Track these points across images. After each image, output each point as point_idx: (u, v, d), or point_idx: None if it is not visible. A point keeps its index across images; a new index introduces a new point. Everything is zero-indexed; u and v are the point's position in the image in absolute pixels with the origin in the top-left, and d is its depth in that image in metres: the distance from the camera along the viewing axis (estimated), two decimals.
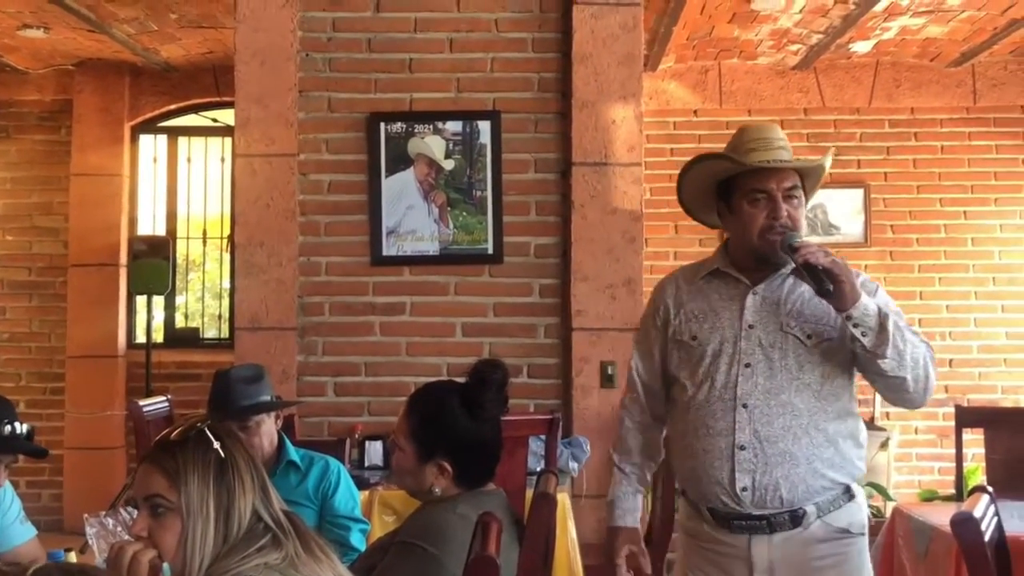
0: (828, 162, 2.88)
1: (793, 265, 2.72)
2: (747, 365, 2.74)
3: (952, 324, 7.59)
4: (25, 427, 3.16)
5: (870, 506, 6.28)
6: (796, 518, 2.70)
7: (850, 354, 2.71)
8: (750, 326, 2.76)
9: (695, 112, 7.75)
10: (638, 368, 3.00)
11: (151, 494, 2.05)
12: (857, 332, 2.60)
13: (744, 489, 2.69)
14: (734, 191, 2.81)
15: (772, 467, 2.68)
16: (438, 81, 5.55)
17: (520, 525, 2.68)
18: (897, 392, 2.68)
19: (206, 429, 2.09)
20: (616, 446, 3.04)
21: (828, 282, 2.58)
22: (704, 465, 2.76)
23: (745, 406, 2.71)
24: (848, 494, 2.74)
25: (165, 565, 2.06)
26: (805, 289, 2.72)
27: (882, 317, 2.59)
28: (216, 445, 2.06)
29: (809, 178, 2.86)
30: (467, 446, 2.64)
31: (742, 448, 2.69)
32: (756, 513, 2.70)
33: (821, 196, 7.52)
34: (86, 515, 2.77)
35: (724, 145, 2.95)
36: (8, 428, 3.12)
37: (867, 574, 2.78)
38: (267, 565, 2.01)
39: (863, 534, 2.76)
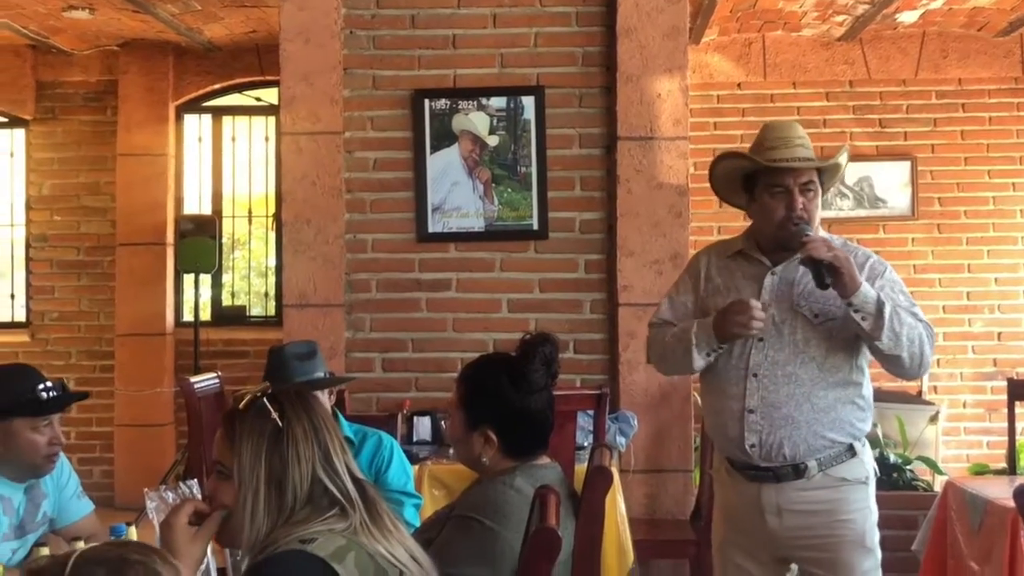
0: (844, 159, 3.20)
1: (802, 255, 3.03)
2: (760, 339, 3.10)
3: (1001, 297, 7.51)
4: (54, 385, 3.26)
5: (922, 481, 6.26)
6: (799, 471, 3.09)
7: (854, 331, 3.05)
8: (766, 304, 3.09)
9: (739, 85, 7.69)
10: (664, 312, 3.38)
11: (216, 459, 2.12)
12: (857, 317, 2.96)
13: (752, 446, 3.10)
14: (757, 184, 3.17)
15: (776, 429, 3.07)
16: (482, 57, 5.54)
17: (575, 498, 2.70)
18: (893, 367, 3.05)
19: (265, 399, 2.12)
20: (662, 339, 3.34)
21: (828, 276, 2.94)
22: (720, 423, 3.20)
23: (755, 375, 3.10)
24: (851, 452, 3.11)
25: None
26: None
27: (880, 304, 2.94)
28: (274, 415, 2.09)
29: (826, 172, 3.19)
30: (511, 417, 2.67)
31: (751, 411, 3.09)
32: (763, 465, 3.11)
33: (868, 169, 7.47)
34: (146, 489, 2.81)
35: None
36: (43, 390, 3.21)
37: (868, 517, 3.13)
38: (331, 531, 2.04)
39: (864, 483, 3.13)
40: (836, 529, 3.09)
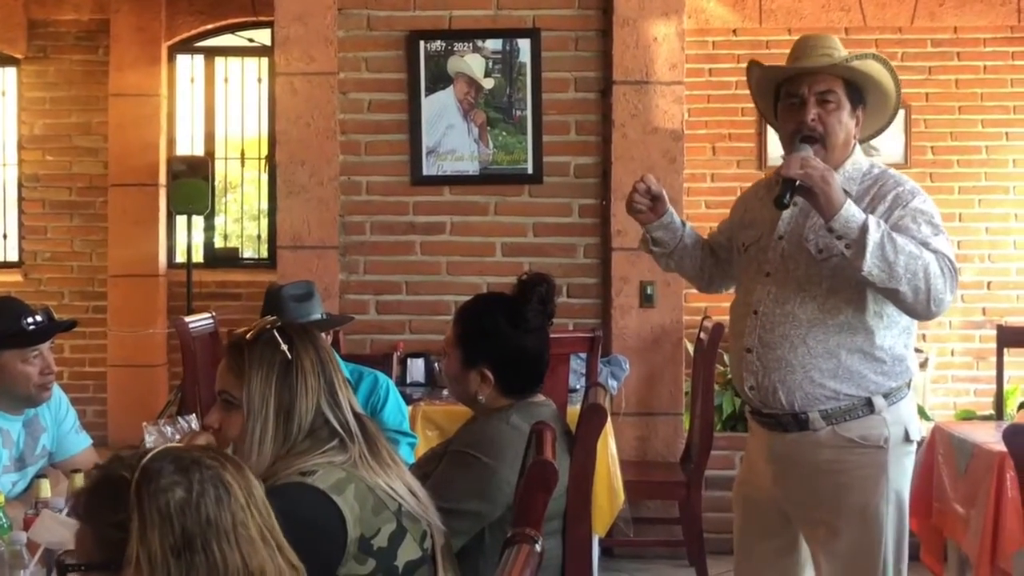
0: (865, 66, 2.85)
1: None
2: (767, 274, 2.87)
3: (991, 247, 7.53)
4: (40, 316, 3.26)
5: None
6: (800, 422, 2.82)
7: None
8: (780, 236, 2.88)
9: (734, 31, 7.64)
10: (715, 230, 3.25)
11: (221, 389, 2.14)
12: (840, 244, 2.65)
13: (751, 388, 2.88)
14: (779, 98, 2.93)
15: (770, 371, 2.82)
16: None
17: (570, 436, 2.73)
18: (898, 304, 2.71)
19: (275, 331, 2.14)
20: None
21: (790, 195, 2.66)
22: (732, 362, 3.02)
23: (755, 312, 2.86)
24: (869, 407, 2.80)
25: None
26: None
27: (864, 228, 2.60)
28: (283, 347, 2.12)
29: (869, 90, 2.89)
30: (508, 355, 2.70)
31: (748, 351, 2.86)
32: (765, 411, 2.88)
33: None
34: (145, 423, 2.84)
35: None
36: (30, 321, 3.22)
37: (882, 484, 2.81)
38: (331, 464, 2.07)
39: (880, 447, 2.80)
40: (839, 494, 2.81)
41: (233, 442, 2.14)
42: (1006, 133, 7.54)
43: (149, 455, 1.50)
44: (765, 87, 3.00)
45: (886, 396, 2.81)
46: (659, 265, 3.26)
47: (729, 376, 6.45)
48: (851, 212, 2.63)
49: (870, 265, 2.60)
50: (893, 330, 2.83)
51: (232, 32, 8.46)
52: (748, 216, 3.05)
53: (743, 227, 3.04)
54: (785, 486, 2.91)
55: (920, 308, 2.70)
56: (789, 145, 2.84)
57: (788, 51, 2.98)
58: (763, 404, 2.87)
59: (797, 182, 2.65)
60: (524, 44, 5.48)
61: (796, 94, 2.84)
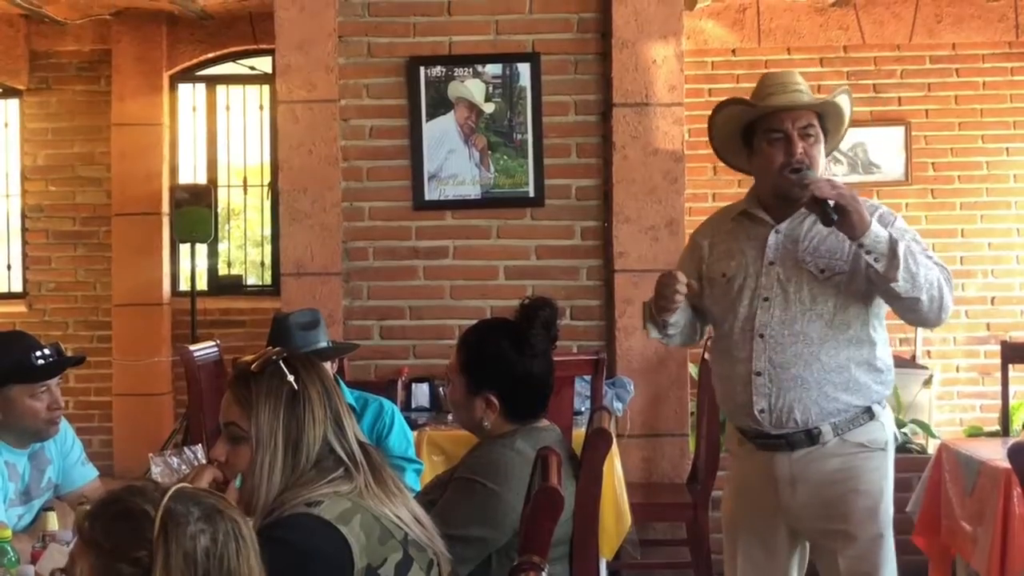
0: (842, 100, 3.07)
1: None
2: (765, 299, 2.98)
3: (994, 262, 7.54)
4: (49, 350, 3.25)
5: (916, 444, 6.28)
6: (812, 436, 2.96)
7: (864, 285, 2.92)
8: (771, 263, 3.00)
9: (733, 51, 7.67)
10: None
11: (228, 422, 2.14)
12: (870, 259, 2.80)
13: (762, 411, 2.96)
14: (755, 133, 3.04)
15: (785, 391, 2.94)
16: (477, 24, 5.53)
17: (575, 460, 2.73)
18: (914, 313, 2.90)
19: (281, 362, 2.15)
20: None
21: (834, 213, 2.78)
22: (729, 390, 3.07)
23: (762, 336, 2.96)
24: (869, 414, 2.98)
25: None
26: (822, 226, 2.91)
27: (893, 243, 2.78)
28: (290, 378, 2.12)
29: (830, 119, 3.07)
30: (513, 381, 2.71)
31: (758, 374, 2.96)
32: (775, 433, 2.98)
33: (861, 135, 7.47)
34: (151, 454, 2.85)
35: None
36: (39, 356, 3.21)
37: (885, 485, 3.02)
38: (337, 494, 2.07)
39: (883, 450, 3.01)
40: (850, 500, 2.96)
41: (241, 474, 2.14)
42: (1007, 148, 7.55)
43: (169, 494, 1.52)
44: (734, 130, 3.12)
45: (880, 403, 3.02)
46: (670, 344, 3.34)
47: None
48: (878, 229, 2.81)
49: (901, 277, 2.78)
50: (884, 340, 3.03)
51: (233, 60, 8.50)
52: (723, 247, 3.14)
53: (720, 259, 3.13)
54: (794, 503, 3.00)
55: (932, 316, 2.89)
56: (778, 176, 2.97)
57: (783, 69, 3.09)
58: (774, 425, 2.97)
59: (832, 202, 2.78)
60: (524, 68, 5.50)
61: (779, 129, 2.98)
